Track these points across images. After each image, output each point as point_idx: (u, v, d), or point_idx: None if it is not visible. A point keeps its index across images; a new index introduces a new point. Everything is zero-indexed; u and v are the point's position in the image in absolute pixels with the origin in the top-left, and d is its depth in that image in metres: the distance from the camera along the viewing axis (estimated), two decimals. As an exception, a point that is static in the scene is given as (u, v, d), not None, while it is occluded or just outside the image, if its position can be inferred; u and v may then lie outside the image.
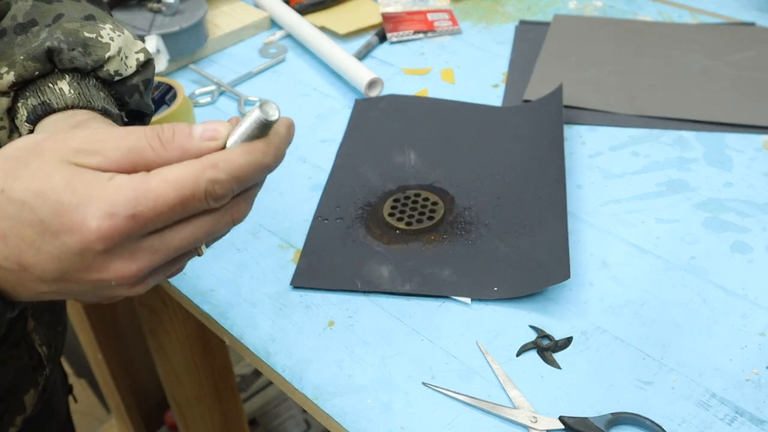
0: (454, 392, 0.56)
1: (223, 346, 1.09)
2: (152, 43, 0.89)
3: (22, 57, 0.49)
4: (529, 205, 0.71)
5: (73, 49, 0.49)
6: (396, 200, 0.73)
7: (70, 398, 0.82)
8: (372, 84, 0.88)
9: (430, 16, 1.05)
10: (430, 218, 0.71)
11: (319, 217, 0.72)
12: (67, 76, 0.50)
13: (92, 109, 0.49)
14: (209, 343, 1.05)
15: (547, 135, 0.78)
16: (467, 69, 0.94)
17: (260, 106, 0.38)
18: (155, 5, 0.95)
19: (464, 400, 0.55)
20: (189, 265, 0.68)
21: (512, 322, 0.61)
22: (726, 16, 1.02)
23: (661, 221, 0.70)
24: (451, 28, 1.02)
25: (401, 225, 0.70)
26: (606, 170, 0.77)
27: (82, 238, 0.36)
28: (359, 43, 1.00)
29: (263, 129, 0.39)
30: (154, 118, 0.79)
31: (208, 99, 0.90)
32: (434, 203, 0.73)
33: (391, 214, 0.72)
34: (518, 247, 0.67)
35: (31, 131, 0.48)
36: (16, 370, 0.58)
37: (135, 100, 0.53)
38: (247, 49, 1.01)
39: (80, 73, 0.50)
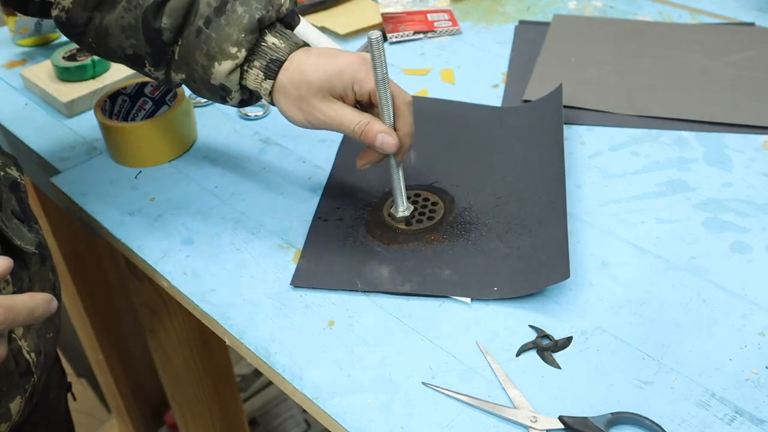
0: (454, 392, 0.56)
1: (223, 346, 1.09)
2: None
3: (242, 34, 0.62)
4: (529, 205, 0.71)
5: (269, 11, 0.63)
6: (396, 200, 0.73)
7: (70, 396, 0.82)
8: (372, 84, 0.88)
9: (430, 17, 1.05)
10: (430, 218, 0.71)
11: (319, 217, 0.72)
12: (269, 31, 0.64)
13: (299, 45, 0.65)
14: (209, 343, 1.05)
15: (547, 135, 0.78)
16: (467, 69, 0.94)
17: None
18: (155, 5, 0.95)
19: (464, 400, 0.55)
20: (189, 266, 0.68)
21: (512, 322, 0.61)
22: (726, 17, 1.02)
23: (661, 221, 0.70)
24: (451, 28, 1.02)
25: (401, 225, 0.70)
26: (606, 170, 0.77)
27: None
28: (359, 43, 1.00)
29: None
30: (155, 118, 0.79)
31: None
32: (434, 203, 0.73)
33: (391, 214, 0.72)
34: (518, 247, 0.67)
35: (271, 88, 0.64)
36: (1, 377, 0.57)
37: (297, 21, 0.68)
38: (247, 49, 1.01)
39: (275, 23, 0.65)
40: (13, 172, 0.64)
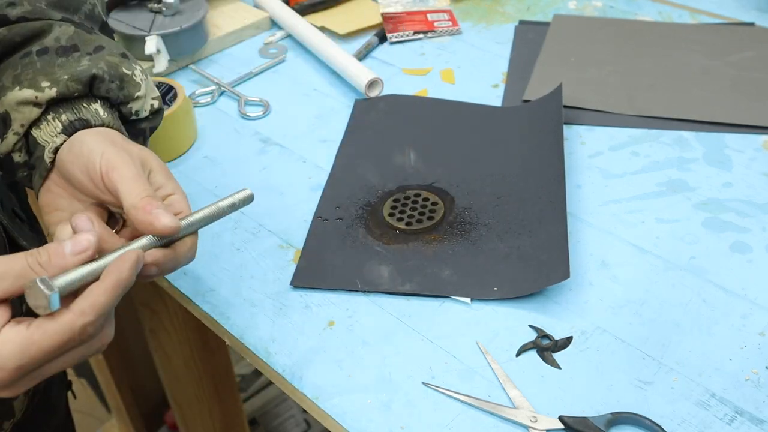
0: (454, 392, 0.56)
1: (223, 346, 1.09)
2: (152, 43, 0.89)
3: (66, 77, 0.53)
4: (529, 205, 0.71)
5: (113, 81, 0.55)
6: (396, 200, 0.73)
7: (70, 394, 0.82)
8: (372, 84, 0.88)
9: (430, 17, 1.05)
10: (430, 218, 0.71)
11: (319, 217, 0.72)
12: (99, 101, 0.55)
13: (119, 130, 0.55)
14: (209, 343, 1.05)
15: (547, 135, 0.78)
16: (467, 69, 0.94)
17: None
18: (155, 5, 0.95)
19: (464, 400, 0.55)
20: (189, 266, 0.68)
21: (512, 322, 0.61)
22: (726, 17, 1.02)
23: (661, 221, 0.70)
24: (451, 28, 1.02)
25: (401, 225, 0.70)
26: (606, 170, 0.77)
27: None
28: (359, 43, 1.00)
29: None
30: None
31: (208, 99, 0.90)
32: (434, 203, 0.73)
33: (391, 214, 0.72)
34: (518, 247, 0.67)
35: (61, 144, 0.52)
36: None
37: (139, 143, 0.57)
38: (247, 49, 1.01)
39: (109, 103, 0.56)
40: None
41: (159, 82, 0.84)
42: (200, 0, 0.97)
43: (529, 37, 1.00)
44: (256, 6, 1.07)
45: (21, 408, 0.60)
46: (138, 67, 0.57)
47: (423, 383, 0.57)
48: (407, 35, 1.01)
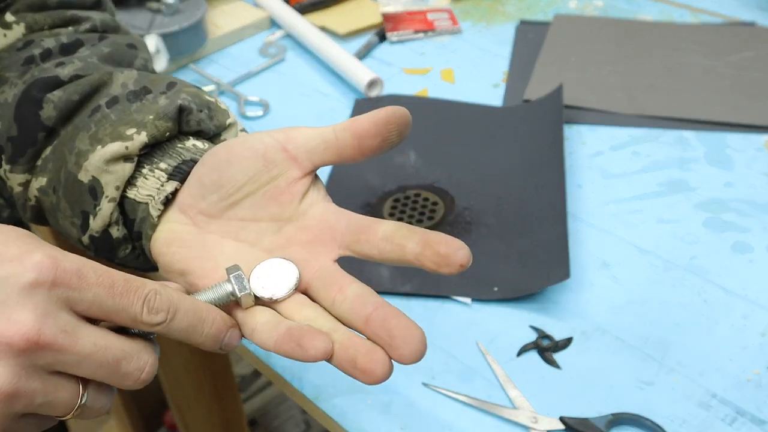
0: (454, 392, 0.56)
1: (223, 346, 1.08)
2: (152, 42, 0.89)
3: (152, 117, 0.46)
4: (529, 205, 0.71)
5: (201, 111, 0.48)
6: (396, 200, 0.73)
7: None
8: (372, 84, 0.88)
9: (430, 16, 1.05)
10: (430, 218, 0.71)
11: (319, 217, 0.72)
12: (191, 138, 0.48)
13: None
14: (209, 344, 1.05)
15: (547, 135, 0.77)
16: (467, 69, 0.94)
17: (234, 277, 0.40)
18: (155, 5, 0.95)
19: (464, 401, 0.55)
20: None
21: (512, 322, 0.61)
22: (726, 16, 1.02)
23: (662, 221, 0.70)
24: (451, 27, 1.02)
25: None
26: (606, 170, 0.77)
27: (17, 265, 0.34)
28: (359, 43, 1.00)
29: (229, 299, 0.40)
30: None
31: (207, 99, 0.90)
32: (434, 203, 0.73)
33: (391, 214, 0.71)
34: (518, 247, 0.67)
35: (173, 191, 0.44)
36: None
37: None
38: (247, 48, 1.01)
39: (202, 137, 0.49)
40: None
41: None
42: (200, 0, 0.97)
43: (530, 37, 0.99)
44: (256, 5, 1.07)
45: None
46: (216, 97, 0.51)
47: (423, 383, 0.57)
48: (407, 35, 1.01)
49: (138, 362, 0.37)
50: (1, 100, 0.50)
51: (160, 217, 0.45)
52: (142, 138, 0.45)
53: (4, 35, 0.53)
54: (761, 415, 0.53)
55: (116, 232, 0.47)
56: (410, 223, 0.70)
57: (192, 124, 0.48)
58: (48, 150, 0.49)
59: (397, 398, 0.56)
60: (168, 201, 0.45)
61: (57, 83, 0.49)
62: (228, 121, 0.50)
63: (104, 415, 0.40)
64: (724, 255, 0.66)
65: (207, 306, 0.39)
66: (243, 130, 0.51)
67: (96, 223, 0.47)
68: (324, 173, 0.78)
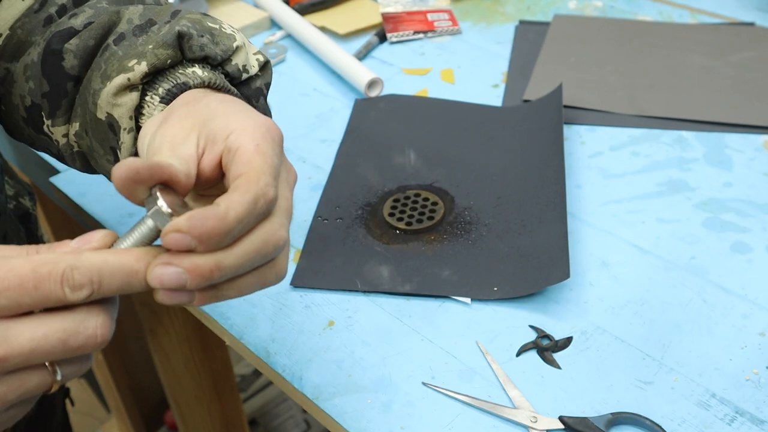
0: (454, 392, 0.56)
1: (223, 346, 1.09)
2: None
3: (151, 46, 0.47)
4: (529, 205, 0.71)
5: (203, 36, 0.47)
6: (396, 200, 0.73)
7: (67, 401, 0.82)
8: (372, 84, 0.88)
9: (430, 16, 1.05)
10: (430, 218, 0.71)
11: (319, 217, 0.72)
12: (197, 65, 0.48)
13: (227, 91, 0.47)
14: (209, 343, 1.05)
15: (547, 135, 0.78)
16: (467, 69, 0.94)
17: (153, 213, 0.36)
18: (155, 5, 0.95)
19: (464, 400, 0.55)
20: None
21: (512, 322, 0.61)
22: (726, 16, 1.02)
23: (661, 221, 0.70)
24: (451, 28, 1.02)
25: (401, 225, 0.70)
26: (606, 170, 0.77)
27: None
28: (359, 43, 1.00)
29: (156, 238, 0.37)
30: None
31: (208, 99, 0.90)
32: (434, 203, 0.73)
33: (391, 214, 0.72)
34: (518, 247, 0.67)
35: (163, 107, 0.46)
36: None
37: (261, 105, 0.51)
38: (247, 49, 1.01)
39: (210, 64, 0.49)
40: (26, 202, 0.63)
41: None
42: (200, 0, 0.97)
43: (530, 37, 1.00)
44: (256, 6, 1.07)
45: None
46: (223, 22, 0.50)
47: (423, 383, 0.57)
48: (407, 35, 1.01)
49: (86, 331, 0.35)
50: (28, 61, 0.51)
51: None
52: (142, 67, 0.46)
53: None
54: (760, 414, 0.54)
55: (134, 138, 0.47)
56: (410, 223, 0.70)
57: (195, 50, 0.47)
58: (77, 96, 0.50)
59: (397, 398, 0.56)
60: None
61: (72, 33, 0.50)
62: (235, 44, 0.49)
63: (89, 367, 0.39)
64: (724, 255, 0.67)
65: (134, 254, 0.36)
66: (259, 52, 0.51)
67: (124, 154, 0.47)
68: (324, 173, 0.78)
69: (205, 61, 0.48)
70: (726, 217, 0.70)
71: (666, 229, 0.69)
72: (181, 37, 0.47)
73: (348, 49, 0.96)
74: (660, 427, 0.52)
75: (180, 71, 0.47)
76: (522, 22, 1.03)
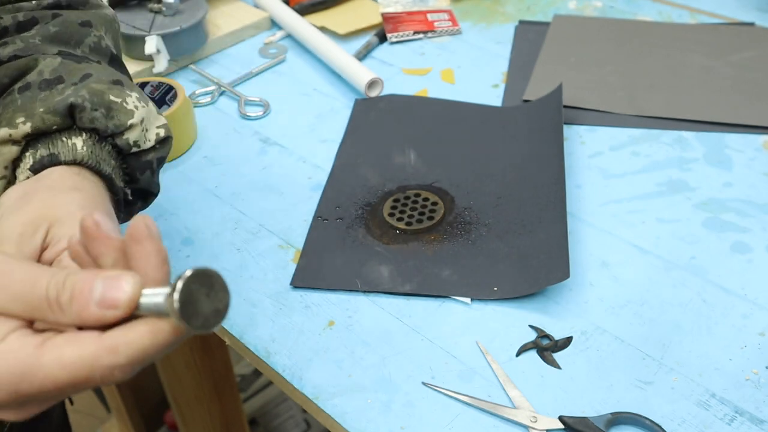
0: (454, 392, 0.56)
1: (223, 346, 1.09)
2: (152, 43, 0.89)
3: (41, 110, 0.48)
4: (529, 205, 0.71)
5: (96, 110, 0.49)
6: (396, 200, 0.73)
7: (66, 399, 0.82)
8: (372, 84, 0.88)
9: (430, 17, 1.05)
10: (430, 218, 0.71)
11: (319, 217, 0.72)
12: (84, 134, 0.49)
13: (99, 172, 0.48)
14: (209, 343, 1.05)
15: (547, 135, 0.78)
16: (467, 69, 0.94)
17: (177, 292, 0.32)
18: (155, 5, 0.95)
19: (464, 400, 0.55)
20: (189, 266, 0.68)
21: (512, 322, 0.61)
22: (726, 16, 1.02)
23: (661, 221, 0.70)
24: (451, 28, 1.02)
25: (401, 225, 0.70)
26: (606, 170, 0.77)
27: None
28: (359, 43, 1.00)
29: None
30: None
31: (208, 99, 0.90)
32: (434, 203, 0.73)
33: (391, 214, 0.72)
34: (518, 247, 0.67)
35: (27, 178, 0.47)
36: None
37: (146, 177, 0.53)
38: (247, 49, 1.01)
39: (98, 135, 0.50)
40: None
41: (159, 82, 0.84)
42: (200, 0, 0.97)
43: (529, 37, 1.00)
44: (256, 6, 1.07)
45: None
46: (134, 94, 0.52)
47: (423, 383, 0.57)
48: (407, 35, 1.01)
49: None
50: None
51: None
52: (26, 128, 0.48)
53: None
54: (760, 414, 0.54)
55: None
56: (410, 223, 0.70)
57: (85, 121, 0.49)
58: None
59: (397, 398, 0.56)
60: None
61: None
62: (130, 122, 0.50)
63: None
64: (724, 255, 0.67)
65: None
66: (163, 126, 0.53)
67: None
68: (324, 173, 0.78)
69: (94, 132, 0.50)
70: (726, 217, 0.70)
71: (666, 229, 0.69)
72: (72, 108, 0.49)
73: (348, 49, 0.96)
74: (660, 427, 0.53)
75: (62, 139, 0.49)
76: (522, 22, 1.03)
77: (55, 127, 0.49)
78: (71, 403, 0.83)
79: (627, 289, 0.64)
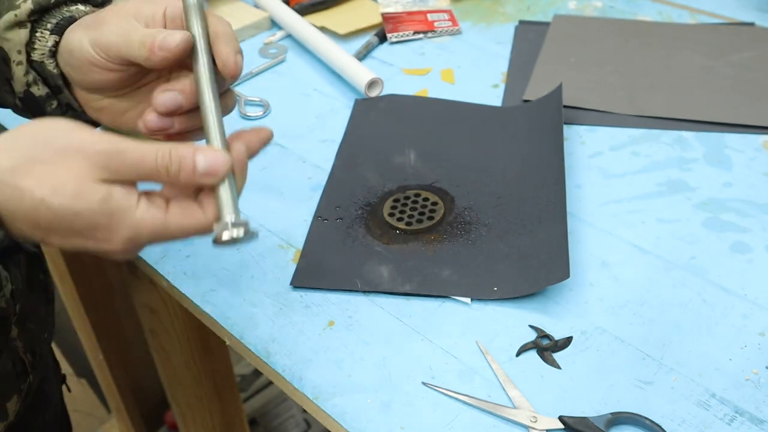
0: (454, 392, 0.56)
1: (223, 346, 1.08)
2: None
3: None
4: (529, 205, 0.71)
5: None
6: (396, 200, 0.73)
7: (66, 391, 0.82)
8: (372, 84, 0.88)
9: (430, 17, 1.05)
10: (430, 218, 0.71)
11: (319, 217, 0.72)
12: (79, 3, 0.53)
13: None
14: (209, 343, 1.05)
15: (547, 135, 0.78)
16: (467, 69, 0.94)
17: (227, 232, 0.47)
18: (155, 5, 0.95)
19: (464, 400, 0.55)
20: (189, 266, 0.68)
21: (512, 322, 0.61)
22: (726, 16, 1.02)
23: (661, 221, 0.70)
24: (451, 28, 1.02)
25: (401, 225, 0.70)
26: (606, 170, 0.77)
27: (108, 247, 0.44)
28: (359, 43, 1.00)
29: None
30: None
31: (208, 99, 0.90)
32: (434, 203, 0.73)
33: (391, 214, 0.72)
34: (518, 247, 0.67)
35: (56, 43, 0.51)
36: (0, 378, 0.57)
37: None
38: (247, 49, 1.01)
39: (91, 3, 0.55)
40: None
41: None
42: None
43: (529, 37, 1.00)
44: (256, 6, 1.07)
45: (15, 410, 0.60)
46: None
47: (423, 383, 0.57)
48: (407, 35, 1.01)
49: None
50: None
51: (57, 66, 0.52)
52: (27, 5, 0.51)
53: None
54: (760, 414, 0.54)
55: (38, 91, 0.53)
56: (410, 223, 0.70)
57: None
58: None
59: (397, 398, 0.56)
60: (53, 53, 0.51)
61: None
62: None
63: None
64: (724, 255, 0.67)
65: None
66: None
67: (17, 86, 0.53)
68: (323, 173, 0.78)
69: (87, 1, 0.54)
70: (726, 217, 0.70)
71: (666, 229, 0.69)
72: None
73: (348, 49, 0.96)
74: (660, 427, 0.53)
75: (65, 9, 0.53)
76: (522, 22, 1.03)
77: (53, 0, 0.52)
78: (69, 389, 0.83)
79: (627, 289, 0.64)
